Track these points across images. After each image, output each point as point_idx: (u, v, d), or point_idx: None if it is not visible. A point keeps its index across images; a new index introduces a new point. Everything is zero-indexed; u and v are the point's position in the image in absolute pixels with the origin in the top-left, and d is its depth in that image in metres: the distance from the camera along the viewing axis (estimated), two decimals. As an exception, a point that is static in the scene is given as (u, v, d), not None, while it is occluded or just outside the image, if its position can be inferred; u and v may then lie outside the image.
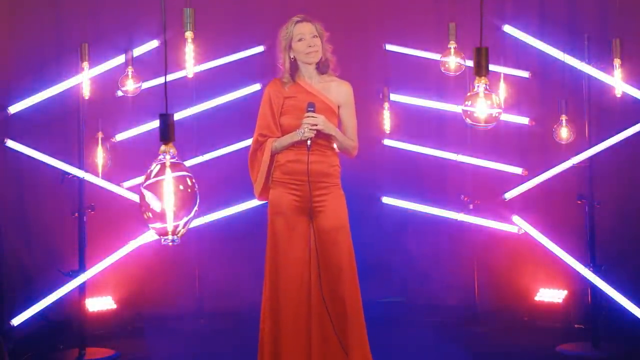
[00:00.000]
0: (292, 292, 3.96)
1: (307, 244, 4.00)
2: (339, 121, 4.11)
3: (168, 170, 2.12)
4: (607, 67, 5.00)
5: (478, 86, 2.51)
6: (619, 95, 4.93)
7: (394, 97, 5.97)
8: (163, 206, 2.11)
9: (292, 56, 4.06)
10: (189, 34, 3.78)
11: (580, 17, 5.87)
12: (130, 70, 4.94)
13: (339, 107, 4.09)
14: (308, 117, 3.92)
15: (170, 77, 5.47)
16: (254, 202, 5.88)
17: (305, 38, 4.02)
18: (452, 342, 5.31)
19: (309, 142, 3.93)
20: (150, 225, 2.15)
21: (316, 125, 3.92)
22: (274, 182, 4.06)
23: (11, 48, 5.67)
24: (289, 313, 3.95)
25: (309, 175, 3.93)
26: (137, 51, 5.55)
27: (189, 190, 2.14)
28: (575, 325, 5.55)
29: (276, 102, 4.07)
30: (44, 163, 5.37)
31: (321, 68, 4.09)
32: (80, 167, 5.15)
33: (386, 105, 5.85)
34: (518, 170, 5.82)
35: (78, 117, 5.12)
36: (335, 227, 4.00)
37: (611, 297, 5.11)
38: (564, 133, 5.24)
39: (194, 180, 2.16)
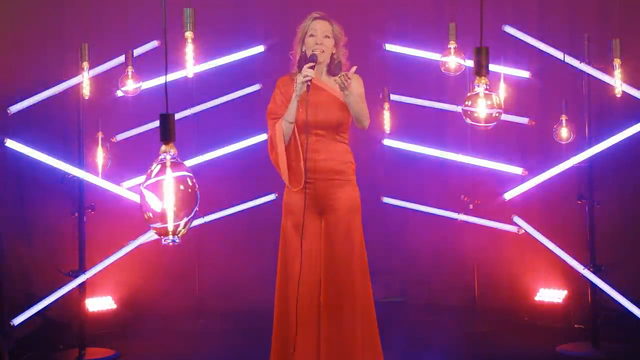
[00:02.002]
0: (301, 293, 3.93)
1: (319, 243, 3.98)
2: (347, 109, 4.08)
3: (168, 170, 2.12)
4: (607, 67, 5.00)
5: (478, 86, 2.51)
6: (619, 95, 4.93)
7: (394, 97, 5.96)
8: (163, 206, 2.11)
9: (303, 50, 4.06)
10: (189, 34, 3.77)
11: (580, 17, 5.87)
12: (130, 70, 4.93)
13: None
14: (305, 69, 3.88)
15: (170, 77, 5.47)
16: (254, 202, 5.90)
17: (317, 35, 4.03)
18: (452, 342, 5.31)
19: (309, 84, 3.86)
20: (151, 225, 2.15)
21: (312, 66, 3.87)
22: None
23: (11, 48, 5.67)
24: (299, 313, 3.94)
25: (317, 172, 3.93)
26: (137, 51, 5.55)
27: (190, 190, 2.14)
28: (575, 325, 5.55)
29: (285, 92, 4.06)
30: (44, 163, 5.37)
31: (332, 70, 4.07)
32: (80, 167, 5.15)
33: (386, 105, 5.84)
34: (518, 170, 5.81)
35: (78, 117, 5.12)
36: (345, 225, 3.99)
37: (611, 297, 5.11)
38: (564, 133, 5.24)
39: (194, 180, 2.16)
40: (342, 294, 3.92)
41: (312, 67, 3.90)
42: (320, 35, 4.03)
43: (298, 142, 3.97)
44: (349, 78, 3.86)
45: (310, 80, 3.87)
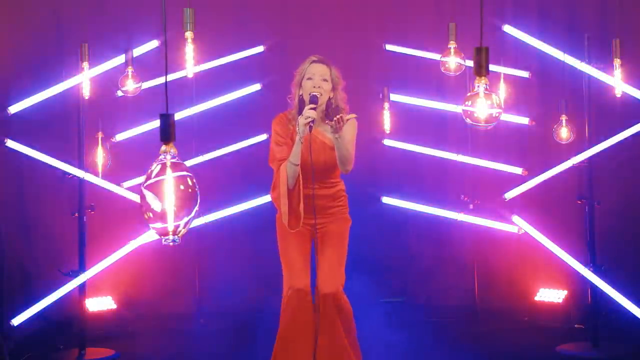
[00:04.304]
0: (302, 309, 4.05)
1: (309, 259, 4.15)
2: None
3: (169, 170, 2.12)
4: (607, 67, 5.00)
5: (478, 86, 2.51)
6: (619, 95, 4.93)
7: (394, 97, 5.96)
8: (163, 206, 2.11)
9: (300, 93, 4.06)
10: (189, 34, 3.77)
11: (580, 17, 5.88)
12: (130, 70, 4.93)
13: None
14: (306, 110, 3.89)
15: (170, 77, 5.47)
16: (254, 202, 5.89)
17: (314, 78, 4.02)
18: (452, 342, 5.31)
19: (311, 124, 3.86)
20: (151, 226, 2.15)
21: (314, 108, 3.89)
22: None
23: (11, 48, 5.67)
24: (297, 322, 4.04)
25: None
26: (137, 51, 5.55)
27: (190, 190, 2.14)
28: (575, 325, 5.56)
29: (282, 131, 4.07)
30: (44, 163, 5.37)
31: (330, 115, 4.04)
32: (80, 167, 5.15)
33: (386, 105, 5.84)
34: (518, 170, 5.82)
35: (78, 117, 5.12)
36: (327, 257, 4.09)
37: (611, 297, 5.11)
38: (564, 133, 5.24)
39: (194, 180, 2.16)
40: (322, 311, 4.04)
41: (314, 108, 3.89)
42: (317, 78, 4.02)
43: (301, 187, 3.98)
44: (343, 122, 3.85)
45: (313, 121, 3.87)
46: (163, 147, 2.15)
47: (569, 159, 5.31)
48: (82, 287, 5.12)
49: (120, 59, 5.45)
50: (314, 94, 3.96)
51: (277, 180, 4.03)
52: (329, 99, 4.06)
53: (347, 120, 3.93)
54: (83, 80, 5.00)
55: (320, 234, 4.12)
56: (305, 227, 4.05)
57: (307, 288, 4.05)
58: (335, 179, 4.15)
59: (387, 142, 6.16)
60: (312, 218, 4.00)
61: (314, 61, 4.07)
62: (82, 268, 5.11)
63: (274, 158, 4.07)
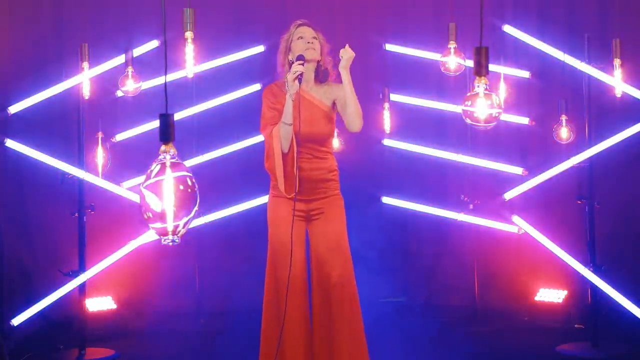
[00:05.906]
0: (289, 299, 3.92)
1: (304, 250, 4.01)
2: (337, 115, 4.05)
3: (168, 170, 2.12)
4: (607, 67, 5.00)
5: (478, 86, 2.51)
6: (619, 95, 4.93)
7: (394, 97, 5.97)
8: (163, 206, 2.11)
9: (290, 58, 4.02)
10: (189, 34, 3.77)
11: (580, 17, 5.87)
12: (130, 70, 4.93)
13: (334, 101, 4.03)
14: (294, 66, 3.86)
15: (170, 77, 5.48)
16: (254, 202, 5.90)
17: (305, 37, 4.01)
18: (452, 342, 5.31)
19: (300, 78, 3.83)
20: (151, 225, 2.15)
21: (302, 64, 3.86)
22: (273, 191, 4.04)
23: (11, 48, 5.68)
24: (287, 319, 3.94)
25: (305, 182, 3.93)
26: (137, 51, 5.55)
27: (189, 190, 2.14)
28: (575, 325, 5.56)
29: (275, 100, 4.03)
30: (44, 163, 5.37)
31: (320, 77, 4.04)
32: (80, 167, 5.15)
33: (386, 105, 5.84)
34: (518, 170, 5.82)
35: (78, 117, 5.12)
36: (332, 240, 3.98)
37: (611, 297, 5.11)
38: (564, 133, 5.25)
39: (194, 180, 2.16)
40: (331, 299, 3.93)
41: (302, 64, 3.86)
42: (308, 36, 4.00)
43: (294, 149, 3.93)
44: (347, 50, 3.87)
45: (301, 74, 3.84)
46: (162, 147, 2.15)
47: (569, 159, 5.31)
48: (82, 287, 5.12)
49: (120, 59, 5.45)
50: (302, 54, 3.91)
51: (270, 148, 3.96)
52: (318, 62, 4.03)
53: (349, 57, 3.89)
54: (83, 80, 5.00)
55: (317, 222, 4.00)
56: (298, 213, 3.94)
57: (301, 277, 3.92)
58: (327, 147, 4.05)
59: (387, 142, 6.16)
60: (304, 204, 3.95)
61: (300, 24, 4.05)
62: (82, 268, 5.11)
63: (266, 123, 3.99)
